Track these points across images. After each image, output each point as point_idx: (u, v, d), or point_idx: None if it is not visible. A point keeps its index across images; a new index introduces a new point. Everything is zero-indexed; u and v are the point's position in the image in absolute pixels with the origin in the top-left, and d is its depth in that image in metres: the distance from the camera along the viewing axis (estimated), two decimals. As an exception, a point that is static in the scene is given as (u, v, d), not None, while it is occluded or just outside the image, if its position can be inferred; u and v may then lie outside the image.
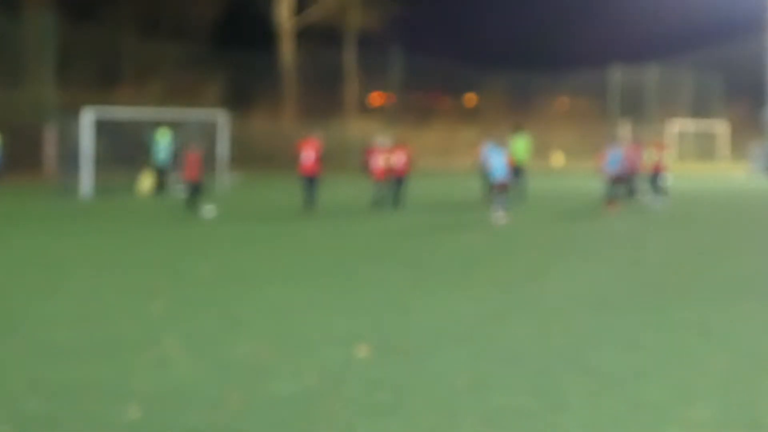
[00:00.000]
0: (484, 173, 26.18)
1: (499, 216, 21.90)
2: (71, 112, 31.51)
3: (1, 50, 42.11)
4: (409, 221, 22.48)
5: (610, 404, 7.25)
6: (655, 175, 27.31)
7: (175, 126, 33.09)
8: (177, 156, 32.57)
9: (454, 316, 10.52)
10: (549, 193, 29.91)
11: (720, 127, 57.69)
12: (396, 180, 25.48)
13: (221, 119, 33.12)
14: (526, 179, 28.18)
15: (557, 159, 53.72)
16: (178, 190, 31.22)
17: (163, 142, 31.26)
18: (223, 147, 32.77)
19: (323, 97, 54.28)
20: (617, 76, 59.57)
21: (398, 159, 25.46)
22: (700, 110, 59.39)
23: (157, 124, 32.45)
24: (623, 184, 24.65)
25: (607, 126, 56.46)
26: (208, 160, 33.55)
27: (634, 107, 58.87)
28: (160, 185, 31.04)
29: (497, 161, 22.70)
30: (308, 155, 24.22)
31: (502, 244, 18.15)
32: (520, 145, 27.97)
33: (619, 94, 59.58)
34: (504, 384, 7.73)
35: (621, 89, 59.68)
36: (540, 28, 67.30)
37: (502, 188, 22.53)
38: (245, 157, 39.40)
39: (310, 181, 24.22)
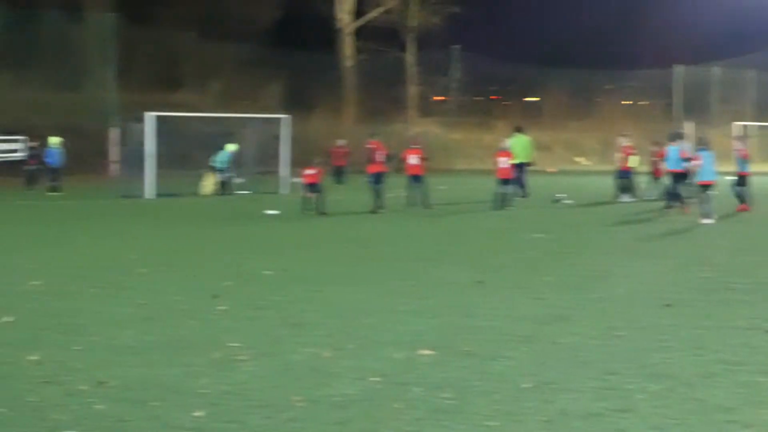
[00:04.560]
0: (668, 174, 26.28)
1: (704, 216, 21.87)
2: (133, 114, 31.85)
3: (63, 53, 42.77)
4: (471, 222, 22.43)
5: (677, 407, 7.13)
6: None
7: (237, 127, 33.38)
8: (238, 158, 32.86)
9: (518, 317, 10.45)
10: (612, 192, 29.62)
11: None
12: (414, 179, 25.79)
13: (284, 122, 33.24)
14: (526, 177, 29.47)
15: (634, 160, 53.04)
16: (240, 191, 31.45)
17: (229, 150, 31.75)
18: (285, 150, 32.89)
19: (384, 97, 54.26)
20: (681, 76, 58.78)
21: (413, 160, 25.83)
22: (765, 111, 58.39)
23: (224, 132, 32.87)
24: (743, 185, 24.60)
25: (671, 126, 55.78)
26: (271, 162, 33.76)
27: (699, 108, 58.05)
28: (223, 186, 31.31)
29: (705, 163, 22.56)
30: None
31: (565, 244, 17.99)
32: (519, 145, 29.03)
33: (683, 95, 58.76)
34: (569, 386, 7.65)
35: (685, 90, 58.87)
36: (602, 27, 66.61)
37: (706, 188, 22.50)
38: (306, 158, 39.52)
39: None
